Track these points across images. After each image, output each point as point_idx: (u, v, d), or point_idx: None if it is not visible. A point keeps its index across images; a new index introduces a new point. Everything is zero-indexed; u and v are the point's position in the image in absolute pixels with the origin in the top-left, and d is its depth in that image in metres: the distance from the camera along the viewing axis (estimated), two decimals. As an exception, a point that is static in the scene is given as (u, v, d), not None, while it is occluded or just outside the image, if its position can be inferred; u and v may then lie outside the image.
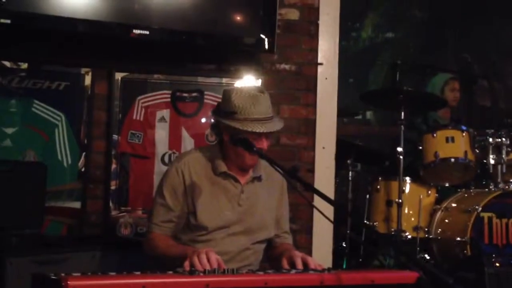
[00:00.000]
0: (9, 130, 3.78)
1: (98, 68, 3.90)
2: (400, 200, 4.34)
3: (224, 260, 2.54)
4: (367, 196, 4.73)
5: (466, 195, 4.46)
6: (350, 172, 4.73)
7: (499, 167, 4.42)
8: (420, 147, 4.54)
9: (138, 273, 2.17)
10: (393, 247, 4.14)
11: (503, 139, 4.42)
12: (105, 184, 3.88)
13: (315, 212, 3.92)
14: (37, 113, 3.82)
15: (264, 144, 2.67)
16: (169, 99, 3.99)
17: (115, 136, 3.91)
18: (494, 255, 3.84)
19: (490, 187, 4.41)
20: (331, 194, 4.08)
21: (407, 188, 4.52)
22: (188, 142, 3.97)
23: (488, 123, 5.03)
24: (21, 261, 3.05)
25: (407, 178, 4.52)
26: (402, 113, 4.38)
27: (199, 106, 4.02)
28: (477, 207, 4.17)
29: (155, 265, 2.51)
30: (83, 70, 3.90)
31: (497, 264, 3.67)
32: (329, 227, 4.08)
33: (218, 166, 2.77)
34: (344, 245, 4.60)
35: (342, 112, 5.06)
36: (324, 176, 4.12)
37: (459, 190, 4.56)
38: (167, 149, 3.96)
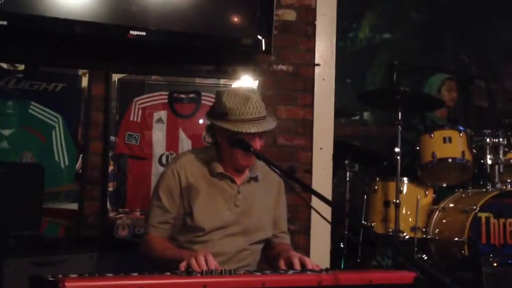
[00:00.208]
0: (6, 132, 3.78)
1: (95, 70, 3.90)
2: (397, 201, 4.34)
3: (221, 261, 2.54)
4: (365, 196, 4.73)
5: (463, 195, 4.47)
6: (348, 173, 4.74)
7: (497, 167, 4.42)
8: (418, 148, 4.55)
9: (136, 274, 2.17)
10: (391, 248, 4.14)
11: (500, 139, 4.43)
12: (103, 185, 3.87)
13: (313, 212, 3.91)
14: (34, 115, 3.81)
15: (257, 144, 2.67)
16: (166, 100, 3.99)
17: (112, 138, 3.90)
18: (491, 255, 3.84)
19: (488, 187, 4.41)
20: (328, 195, 4.07)
21: (404, 189, 4.53)
22: (185, 143, 3.97)
23: (486, 124, 5.04)
24: (18, 262, 3.04)
25: (405, 179, 4.53)
26: (399, 114, 4.38)
27: (196, 107, 4.02)
28: (474, 207, 4.18)
29: (152, 266, 2.51)
30: (80, 72, 3.90)
31: (495, 264, 3.68)
32: (327, 228, 4.07)
33: (214, 167, 2.77)
34: (342, 245, 4.60)
35: (340, 112, 5.07)
36: (322, 177, 4.12)
37: (456, 190, 4.56)
38: (164, 150, 3.95)
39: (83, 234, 3.82)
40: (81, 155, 3.87)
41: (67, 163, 3.85)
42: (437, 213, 4.44)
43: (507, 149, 4.46)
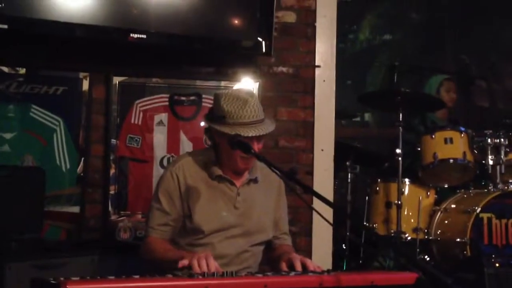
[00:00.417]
0: (7, 135, 3.78)
1: (96, 73, 3.90)
2: (399, 202, 4.34)
3: (222, 263, 2.54)
4: (366, 198, 4.73)
5: (465, 196, 4.46)
6: (349, 174, 4.74)
7: (498, 167, 4.42)
8: (419, 148, 4.55)
9: (137, 277, 2.17)
10: (392, 249, 4.13)
11: (502, 139, 4.43)
12: (104, 188, 3.88)
13: (315, 214, 3.91)
14: (35, 118, 3.82)
15: (255, 147, 2.66)
16: (167, 103, 3.99)
17: (113, 140, 3.91)
18: (493, 256, 3.84)
19: (489, 187, 4.41)
20: (330, 196, 4.07)
21: (406, 190, 4.53)
22: (186, 146, 3.97)
23: (487, 124, 5.03)
24: (20, 265, 3.04)
25: (406, 180, 4.53)
26: (400, 115, 4.38)
27: (197, 110, 4.02)
28: (476, 207, 4.17)
29: (154, 269, 2.51)
30: (81, 75, 3.90)
31: (497, 265, 3.67)
32: (329, 229, 4.07)
33: (213, 169, 2.77)
34: (344, 247, 4.60)
35: (340, 114, 5.07)
36: (323, 178, 4.12)
37: (458, 191, 4.56)
38: (165, 153, 3.95)
39: (85, 237, 3.82)
40: (82, 158, 3.87)
41: (68, 166, 3.86)
42: (439, 214, 4.44)
43: (508, 150, 4.46)
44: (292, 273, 2.44)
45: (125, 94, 3.93)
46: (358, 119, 7.17)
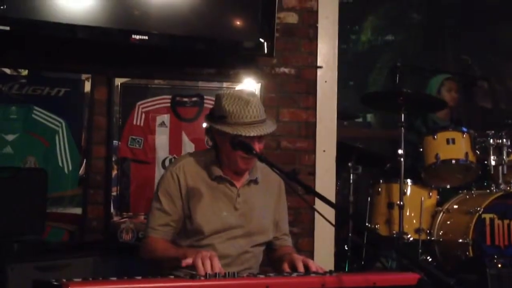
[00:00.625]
0: (10, 137, 3.79)
1: (98, 74, 3.91)
2: (401, 203, 4.34)
3: (224, 264, 2.54)
4: (369, 198, 4.73)
5: (467, 196, 4.46)
6: (351, 175, 4.73)
7: (500, 168, 4.42)
8: (421, 149, 4.55)
9: (139, 278, 2.17)
10: (395, 250, 4.13)
11: (504, 140, 4.42)
12: (106, 189, 3.88)
13: (317, 215, 3.91)
14: (37, 120, 3.82)
15: (256, 148, 2.66)
16: (169, 104, 4.00)
17: (115, 142, 3.91)
18: (496, 256, 3.83)
19: (492, 188, 4.40)
20: (332, 197, 4.07)
21: (408, 190, 4.52)
22: (188, 147, 3.97)
23: (489, 124, 5.03)
24: (22, 267, 3.04)
25: (408, 180, 4.53)
26: (402, 115, 4.38)
27: (199, 111, 4.02)
28: (478, 208, 4.17)
29: (155, 269, 2.51)
30: (83, 76, 3.91)
31: (499, 265, 3.67)
32: (331, 230, 4.07)
33: (213, 170, 2.77)
34: (346, 248, 4.59)
35: (342, 115, 5.07)
36: (325, 179, 4.12)
37: (460, 191, 4.56)
38: (167, 154, 3.96)
39: (87, 238, 3.83)
40: (84, 160, 3.87)
41: (70, 167, 3.86)
42: (441, 214, 4.44)
43: (510, 150, 4.46)
44: (294, 274, 2.44)
45: (127, 96, 3.94)
46: (360, 120, 7.16)
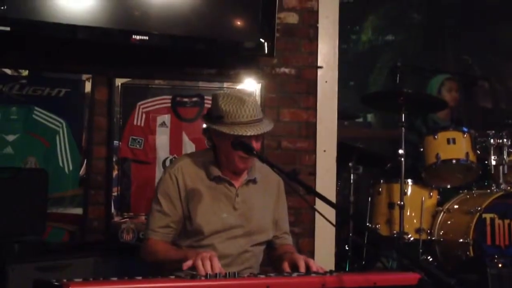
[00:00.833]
0: (10, 137, 3.79)
1: (98, 74, 3.91)
2: (402, 203, 4.34)
3: (224, 264, 2.54)
4: (369, 198, 4.72)
5: (468, 196, 4.46)
6: (352, 175, 4.73)
7: (501, 168, 4.42)
8: (421, 149, 4.55)
9: (140, 278, 2.17)
10: (395, 250, 4.13)
11: (504, 140, 4.43)
12: (107, 190, 3.88)
13: (317, 215, 3.91)
14: (38, 120, 3.83)
15: (254, 147, 2.67)
16: (169, 104, 4.00)
17: (116, 142, 3.91)
18: (496, 256, 3.84)
19: (492, 188, 4.40)
20: (332, 197, 4.07)
21: (409, 190, 4.52)
22: (189, 147, 3.97)
23: (489, 124, 5.02)
24: (23, 267, 3.04)
25: (409, 180, 4.52)
26: (403, 115, 4.38)
27: (199, 111, 4.02)
28: (479, 208, 4.17)
29: (156, 271, 2.51)
30: (83, 77, 3.91)
31: (500, 265, 3.67)
32: (331, 230, 4.07)
33: (211, 170, 2.78)
34: (347, 248, 4.59)
35: (343, 115, 5.07)
36: (326, 179, 4.13)
37: (461, 191, 4.56)
38: (168, 154, 3.96)
39: (88, 238, 3.83)
40: (85, 160, 3.88)
41: (71, 168, 3.86)
42: (441, 214, 4.44)
43: (511, 150, 4.46)
44: (295, 274, 2.44)
45: (128, 96, 3.94)
46: (360, 120, 7.16)
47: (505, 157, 4.41)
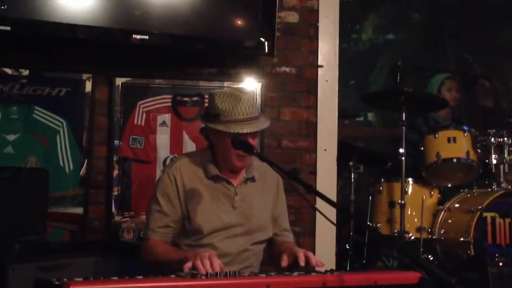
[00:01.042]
0: (11, 137, 3.79)
1: (98, 74, 3.91)
2: (402, 201, 4.34)
3: (224, 263, 2.54)
4: (370, 197, 4.72)
5: (468, 195, 4.46)
6: (353, 174, 4.73)
7: (502, 166, 4.41)
8: (422, 148, 4.54)
9: (141, 277, 2.17)
10: (396, 248, 4.13)
11: (505, 138, 4.42)
12: (107, 189, 3.88)
13: (318, 214, 3.91)
14: (38, 120, 3.83)
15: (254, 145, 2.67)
16: (170, 104, 4.00)
17: (116, 142, 3.91)
18: (497, 255, 3.84)
19: (493, 187, 4.40)
20: (333, 196, 4.07)
21: (409, 189, 4.52)
22: (189, 146, 3.97)
23: (490, 123, 5.02)
24: (24, 267, 3.04)
25: (410, 179, 4.53)
26: (403, 114, 4.38)
27: (200, 110, 4.01)
28: (480, 207, 4.17)
29: (157, 270, 2.51)
30: (84, 76, 3.91)
31: (501, 264, 3.67)
32: (332, 229, 4.07)
33: (209, 169, 2.78)
34: (348, 247, 4.59)
35: (343, 114, 5.07)
36: (326, 178, 4.12)
37: (461, 190, 4.56)
38: (168, 154, 3.96)
39: (88, 238, 3.83)
40: (85, 160, 3.87)
41: (71, 167, 3.86)
42: (442, 213, 4.44)
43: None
44: (295, 273, 2.44)
45: (128, 95, 3.94)
46: (361, 119, 7.16)
47: (505, 156, 4.41)
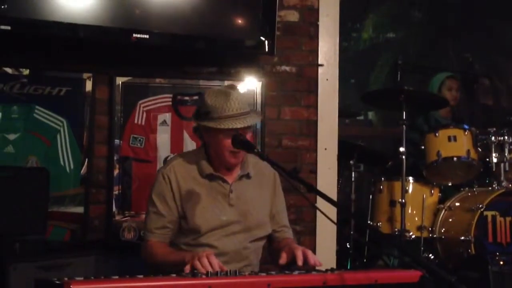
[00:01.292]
0: (11, 136, 3.79)
1: (99, 73, 3.91)
2: (403, 200, 4.34)
3: (223, 261, 2.54)
4: (370, 196, 4.73)
5: (469, 194, 4.46)
6: (353, 173, 4.74)
7: (502, 165, 4.41)
8: (423, 147, 4.54)
9: (141, 276, 2.17)
10: (397, 247, 4.13)
11: (506, 137, 4.42)
12: (108, 188, 3.88)
13: (319, 213, 3.91)
14: (38, 119, 3.83)
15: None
16: (170, 103, 4.00)
17: (117, 141, 3.91)
18: (498, 254, 3.84)
19: (493, 185, 4.40)
20: (334, 195, 4.08)
21: (410, 188, 4.52)
22: (190, 145, 3.97)
23: (490, 122, 5.02)
24: (24, 266, 3.04)
25: (410, 178, 4.53)
26: (404, 113, 4.38)
27: (200, 110, 4.01)
28: (480, 205, 4.17)
29: (157, 270, 2.51)
30: (84, 75, 3.91)
31: (501, 263, 3.67)
32: (333, 228, 4.07)
33: (204, 168, 2.78)
34: (348, 246, 4.59)
35: (344, 113, 5.07)
36: (327, 177, 4.12)
37: (462, 189, 4.56)
38: (169, 153, 3.96)
39: (89, 237, 3.83)
40: (86, 159, 3.87)
41: (72, 167, 3.86)
42: (443, 212, 4.44)
43: (512, 147, 4.46)
44: (296, 272, 2.44)
45: (128, 95, 3.94)
46: (361, 117, 7.17)
47: (506, 154, 4.41)
